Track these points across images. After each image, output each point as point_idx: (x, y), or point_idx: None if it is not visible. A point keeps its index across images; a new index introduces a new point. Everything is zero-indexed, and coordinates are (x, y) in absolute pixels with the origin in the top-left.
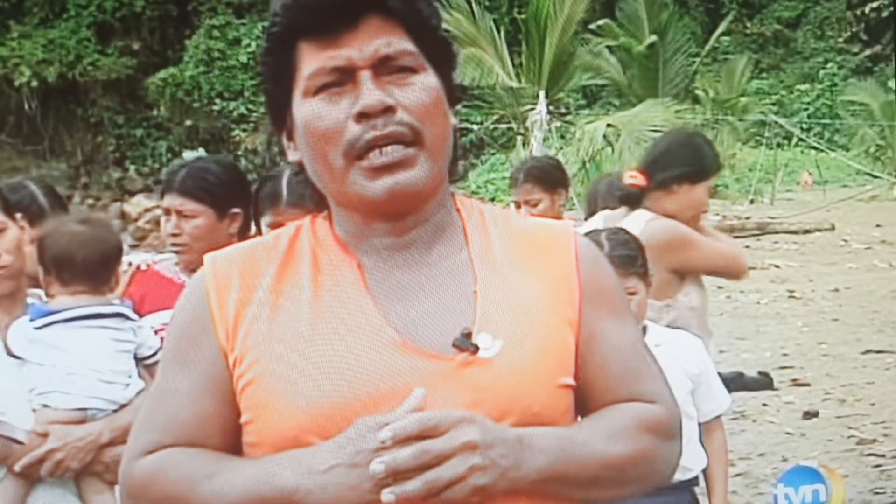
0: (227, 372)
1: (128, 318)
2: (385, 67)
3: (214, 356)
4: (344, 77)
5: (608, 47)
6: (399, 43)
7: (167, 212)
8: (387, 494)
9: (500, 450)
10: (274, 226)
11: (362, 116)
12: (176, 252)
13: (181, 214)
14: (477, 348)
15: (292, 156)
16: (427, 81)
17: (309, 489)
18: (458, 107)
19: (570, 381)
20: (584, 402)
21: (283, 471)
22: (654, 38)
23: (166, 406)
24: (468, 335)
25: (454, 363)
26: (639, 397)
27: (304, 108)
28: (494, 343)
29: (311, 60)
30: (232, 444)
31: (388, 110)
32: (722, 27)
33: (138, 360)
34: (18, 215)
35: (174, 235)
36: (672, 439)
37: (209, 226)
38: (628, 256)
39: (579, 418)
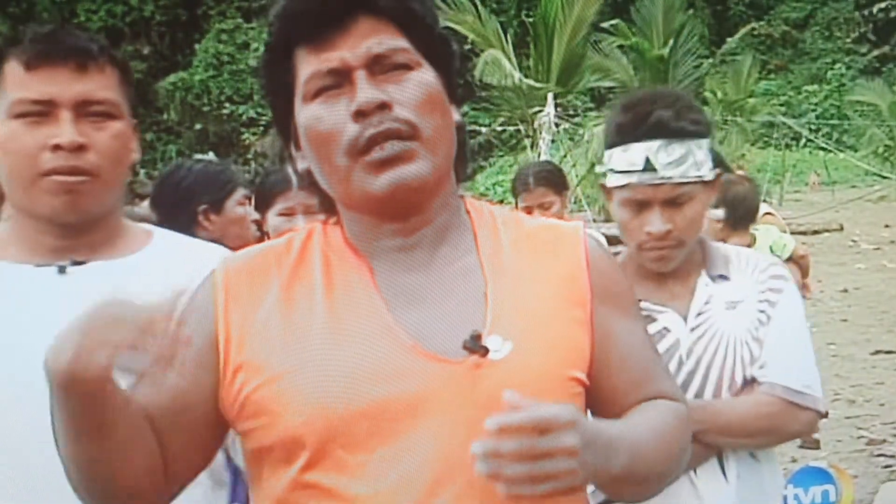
0: (212, 376)
1: None
2: (379, 66)
3: (207, 348)
4: (340, 79)
5: (620, 48)
6: (391, 41)
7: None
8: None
9: (593, 453)
10: (285, 213)
11: (359, 115)
12: None
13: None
14: (487, 350)
15: (301, 164)
16: (422, 77)
17: None
18: (465, 107)
19: (583, 376)
20: (604, 403)
21: None
22: (671, 42)
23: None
24: (478, 337)
25: (464, 366)
26: (662, 395)
27: (305, 113)
28: (505, 345)
29: (307, 65)
30: (178, 427)
31: (384, 107)
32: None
33: None
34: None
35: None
36: (689, 431)
37: None
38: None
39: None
